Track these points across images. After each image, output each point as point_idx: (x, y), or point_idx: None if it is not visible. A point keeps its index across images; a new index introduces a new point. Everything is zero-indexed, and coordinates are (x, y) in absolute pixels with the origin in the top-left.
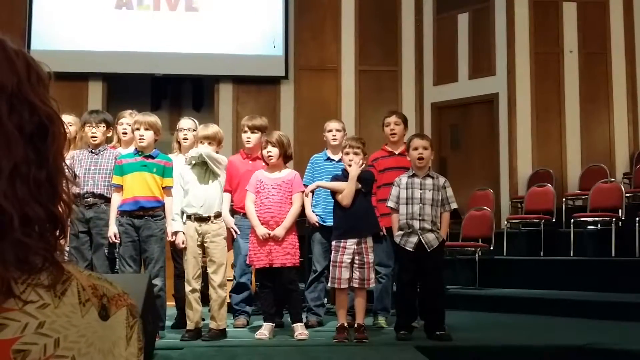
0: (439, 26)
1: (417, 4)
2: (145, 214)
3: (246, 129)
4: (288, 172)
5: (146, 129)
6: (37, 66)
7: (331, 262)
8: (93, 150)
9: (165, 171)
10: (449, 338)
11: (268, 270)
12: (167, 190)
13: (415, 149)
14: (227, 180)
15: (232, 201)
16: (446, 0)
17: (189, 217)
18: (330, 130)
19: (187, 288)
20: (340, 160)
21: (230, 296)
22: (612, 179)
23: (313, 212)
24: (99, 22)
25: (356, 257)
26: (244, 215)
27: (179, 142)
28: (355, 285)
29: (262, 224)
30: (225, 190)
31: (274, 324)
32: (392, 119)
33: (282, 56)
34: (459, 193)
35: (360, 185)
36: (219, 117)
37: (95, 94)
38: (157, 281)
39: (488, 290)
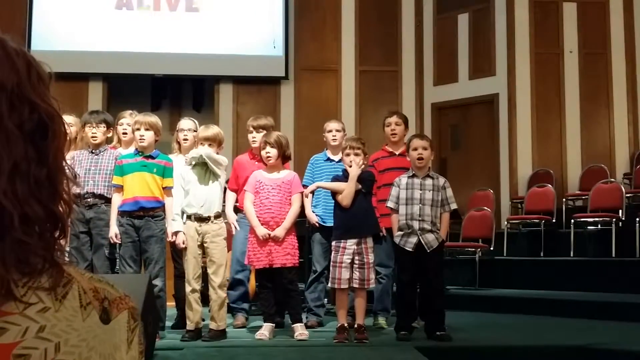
0: (439, 26)
1: (417, 4)
2: (145, 214)
3: (251, 129)
4: (287, 173)
5: (146, 129)
6: (38, 65)
7: (331, 263)
8: (93, 151)
9: (166, 171)
10: (449, 338)
11: (268, 271)
12: (167, 190)
13: (415, 149)
14: (233, 179)
15: (236, 200)
16: (446, 1)
17: (189, 217)
18: (330, 131)
19: (187, 288)
20: (340, 161)
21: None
22: (612, 180)
23: (313, 212)
24: (99, 23)
25: (356, 258)
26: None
27: (179, 143)
28: (355, 285)
29: (262, 224)
30: (230, 189)
31: (274, 324)
32: (393, 119)
33: (283, 56)
34: (459, 193)
35: (360, 186)
36: (219, 117)
37: (96, 94)
38: (157, 281)
39: (488, 291)
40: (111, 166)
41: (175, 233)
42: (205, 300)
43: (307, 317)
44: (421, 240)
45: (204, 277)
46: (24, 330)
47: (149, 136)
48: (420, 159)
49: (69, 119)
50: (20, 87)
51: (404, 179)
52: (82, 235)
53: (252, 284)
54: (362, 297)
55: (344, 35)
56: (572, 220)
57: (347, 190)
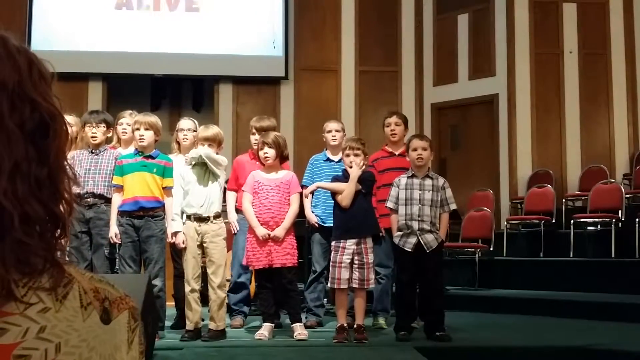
0: (439, 27)
1: (417, 4)
2: (145, 214)
3: (254, 130)
4: (286, 173)
5: (146, 129)
6: (40, 63)
7: (331, 263)
8: (93, 151)
9: (166, 171)
10: (448, 339)
11: (267, 271)
12: (167, 190)
13: (415, 149)
14: (233, 179)
15: (236, 200)
16: (446, 1)
17: (188, 217)
18: (329, 131)
19: (187, 288)
20: (339, 161)
21: (227, 296)
22: (612, 180)
23: (313, 212)
24: (99, 23)
25: (356, 258)
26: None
27: (178, 143)
28: (355, 285)
29: (261, 224)
30: (230, 189)
31: (273, 325)
32: (393, 119)
33: (282, 57)
34: (458, 194)
35: (360, 186)
36: (218, 117)
37: (95, 94)
38: (156, 281)
39: (488, 291)
40: (111, 166)
41: (175, 233)
42: (204, 300)
43: (306, 317)
44: (420, 240)
45: (204, 277)
46: (25, 331)
47: (148, 136)
48: (419, 159)
49: (69, 118)
50: (21, 86)
51: (403, 179)
52: (81, 235)
53: (251, 284)
54: (362, 297)
55: (344, 36)
56: (572, 221)
57: (347, 191)
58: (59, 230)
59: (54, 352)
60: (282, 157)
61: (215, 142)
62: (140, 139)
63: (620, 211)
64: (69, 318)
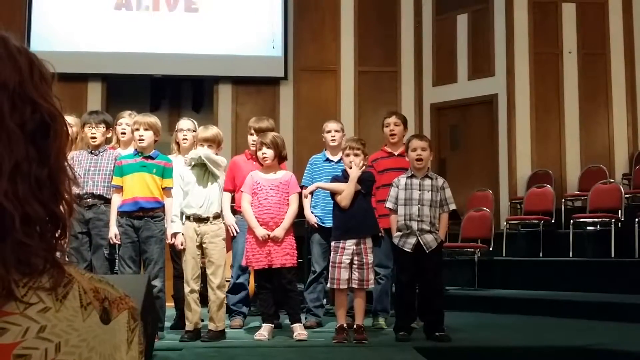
0: (438, 27)
1: (416, 5)
2: (144, 215)
3: (252, 131)
4: (284, 173)
5: (145, 129)
6: (41, 64)
7: (330, 263)
8: (93, 151)
9: (165, 172)
10: (448, 339)
11: (267, 271)
12: (167, 191)
13: (414, 149)
14: (230, 180)
15: (233, 201)
16: (445, 1)
17: (188, 217)
18: (329, 131)
19: (186, 289)
20: (339, 161)
21: (226, 296)
22: (612, 180)
23: (312, 213)
24: (99, 23)
25: (355, 258)
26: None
27: (178, 143)
28: (355, 285)
29: (261, 225)
30: (226, 190)
31: (273, 325)
32: (392, 119)
33: (282, 57)
34: (458, 194)
35: (360, 186)
36: (218, 118)
37: (95, 95)
38: (156, 282)
39: (487, 291)
40: (110, 166)
41: (174, 234)
42: (204, 300)
43: (306, 318)
44: (420, 240)
45: (203, 278)
46: (25, 331)
47: (148, 136)
48: (419, 159)
49: (69, 119)
50: (22, 87)
51: (402, 180)
52: (81, 236)
53: (251, 285)
54: (361, 298)
55: (343, 36)
56: (571, 221)
57: (347, 191)
58: (59, 231)
59: (54, 351)
60: (280, 158)
61: (214, 142)
62: (139, 139)
63: (619, 211)
64: (68, 318)
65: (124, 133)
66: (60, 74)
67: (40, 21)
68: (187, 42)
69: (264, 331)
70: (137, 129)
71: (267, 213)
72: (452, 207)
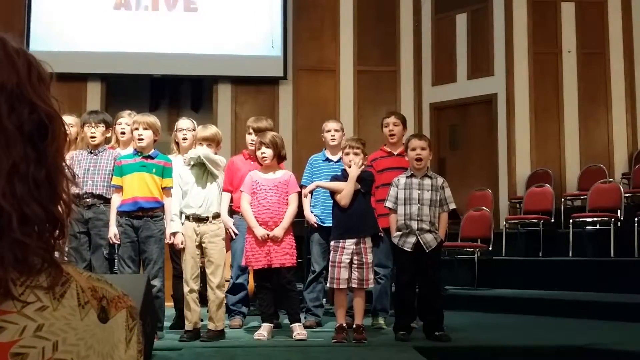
0: (437, 26)
1: (415, 4)
2: (144, 215)
3: (251, 130)
4: (284, 173)
5: (145, 129)
6: (39, 65)
7: (330, 262)
8: (92, 151)
9: (165, 171)
10: (447, 338)
11: (266, 271)
12: (166, 190)
13: (413, 149)
14: (228, 180)
15: (231, 201)
16: (445, 1)
17: (187, 217)
18: (328, 131)
19: (185, 289)
20: (338, 161)
21: (226, 296)
22: (611, 179)
23: (312, 212)
24: (98, 23)
25: (355, 258)
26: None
27: (177, 143)
28: (354, 285)
29: (260, 224)
30: (225, 190)
31: (272, 325)
32: (391, 119)
33: (281, 56)
34: (457, 193)
35: (359, 186)
36: (217, 117)
37: (94, 95)
38: (155, 282)
39: (487, 291)
40: (110, 166)
41: (174, 233)
42: (203, 300)
43: (305, 317)
44: (420, 240)
45: (203, 277)
46: (22, 329)
47: (147, 136)
48: (418, 159)
49: (70, 119)
50: (20, 88)
51: (402, 179)
52: (80, 236)
53: (250, 284)
54: (361, 297)
55: (342, 35)
56: (571, 220)
57: (346, 190)
58: (57, 231)
59: (52, 350)
60: (279, 157)
61: (214, 142)
62: (139, 138)
63: (619, 210)
64: (66, 316)
65: (124, 133)
66: (59, 74)
67: (39, 21)
68: (187, 41)
69: (264, 331)
70: (137, 129)
71: (267, 213)
72: (452, 206)
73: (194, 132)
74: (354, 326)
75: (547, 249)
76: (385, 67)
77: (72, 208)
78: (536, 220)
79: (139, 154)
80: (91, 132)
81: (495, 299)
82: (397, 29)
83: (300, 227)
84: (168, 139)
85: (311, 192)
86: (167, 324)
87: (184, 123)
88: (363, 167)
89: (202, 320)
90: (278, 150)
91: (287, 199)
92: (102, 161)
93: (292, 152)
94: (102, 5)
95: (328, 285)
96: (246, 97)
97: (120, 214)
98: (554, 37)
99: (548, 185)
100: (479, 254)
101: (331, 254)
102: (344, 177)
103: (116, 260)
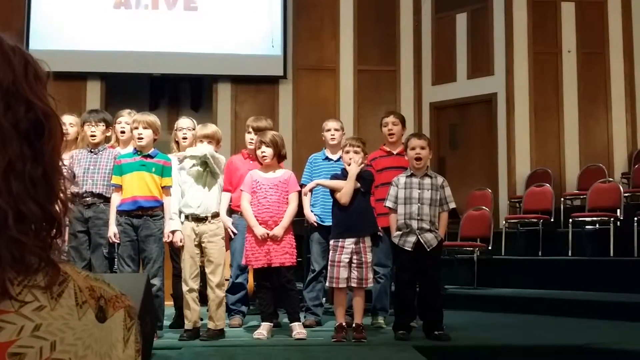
0: (437, 26)
1: (415, 3)
2: (144, 214)
3: (250, 129)
4: (284, 172)
5: (145, 128)
6: (35, 63)
7: (329, 262)
8: (92, 150)
9: (165, 171)
10: (447, 338)
11: (266, 270)
12: (166, 189)
13: (413, 148)
14: (227, 180)
15: (230, 200)
16: (445, 0)
17: (186, 217)
18: (328, 130)
19: (185, 288)
20: (338, 160)
21: (225, 296)
22: (611, 179)
23: (311, 211)
24: (97, 22)
25: (354, 257)
26: (242, 214)
27: (177, 142)
28: (354, 284)
29: (260, 224)
30: (225, 190)
31: (272, 324)
32: (390, 119)
33: (281, 56)
34: (457, 193)
35: (359, 185)
36: (217, 116)
37: (94, 94)
38: (155, 281)
39: (486, 290)
40: (110, 165)
41: (173, 232)
42: (203, 299)
43: (305, 317)
44: (420, 239)
45: (202, 277)
46: (20, 329)
47: (147, 135)
48: (418, 158)
49: (70, 118)
50: (16, 86)
51: (402, 179)
52: (80, 235)
53: (250, 284)
54: (361, 297)
55: (343, 35)
56: (570, 220)
57: (346, 188)
58: (54, 230)
59: (49, 350)
60: (279, 156)
61: (214, 139)
62: (139, 137)
63: (618, 210)
64: (64, 316)
65: (123, 132)
66: (59, 73)
67: (39, 20)
68: (186, 40)
69: (263, 330)
70: (136, 128)
71: (267, 212)
72: (452, 205)
73: (194, 131)
74: (354, 325)
75: (547, 249)
76: (385, 67)
77: (69, 206)
78: (536, 220)
79: (139, 153)
80: (91, 131)
81: (495, 298)
82: (397, 28)
83: (300, 226)
84: (168, 138)
85: (311, 191)
86: (166, 323)
87: (184, 122)
88: (363, 165)
89: (201, 320)
90: (278, 150)
91: (287, 198)
92: (102, 160)
93: (292, 152)
94: (102, 4)
95: (327, 284)
96: (246, 96)
97: (120, 213)
98: (554, 36)
99: (548, 184)
100: (478, 254)
101: (330, 253)
102: (343, 176)
103: (116, 260)
